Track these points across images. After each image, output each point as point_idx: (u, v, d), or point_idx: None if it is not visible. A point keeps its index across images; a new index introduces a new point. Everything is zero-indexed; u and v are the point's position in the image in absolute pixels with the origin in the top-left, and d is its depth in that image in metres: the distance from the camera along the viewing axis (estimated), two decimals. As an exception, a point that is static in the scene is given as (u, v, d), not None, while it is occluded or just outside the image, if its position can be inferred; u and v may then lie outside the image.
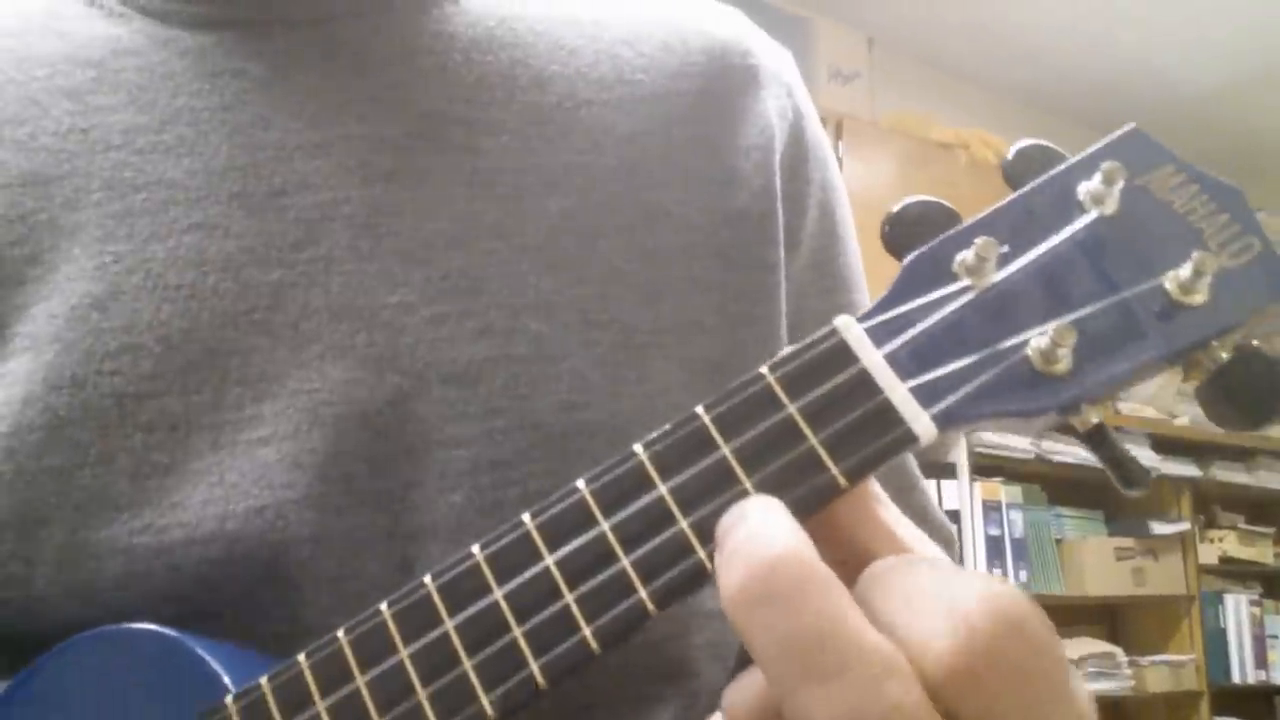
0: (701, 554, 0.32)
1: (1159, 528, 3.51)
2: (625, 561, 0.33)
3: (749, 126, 0.58)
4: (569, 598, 0.33)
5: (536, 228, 0.51)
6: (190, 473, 0.45)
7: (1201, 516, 3.76)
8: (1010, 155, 0.35)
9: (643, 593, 0.32)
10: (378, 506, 0.46)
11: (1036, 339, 0.32)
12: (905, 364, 0.33)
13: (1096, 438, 0.32)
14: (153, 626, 0.41)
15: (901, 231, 0.35)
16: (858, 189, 2.80)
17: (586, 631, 0.32)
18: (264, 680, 0.36)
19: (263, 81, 0.52)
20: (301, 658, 0.36)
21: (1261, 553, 3.95)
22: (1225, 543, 3.85)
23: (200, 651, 0.39)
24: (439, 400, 0.47)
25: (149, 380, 0.46)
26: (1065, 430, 0.32)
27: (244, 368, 0.47)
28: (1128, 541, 3.44)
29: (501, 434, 0.47)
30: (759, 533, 0.29)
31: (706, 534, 0.32)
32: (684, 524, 0.33)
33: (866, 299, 0.62)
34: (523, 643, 0.33)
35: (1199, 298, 0.32)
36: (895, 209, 0.35)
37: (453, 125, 0.52)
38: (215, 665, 0.39)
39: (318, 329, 0.47)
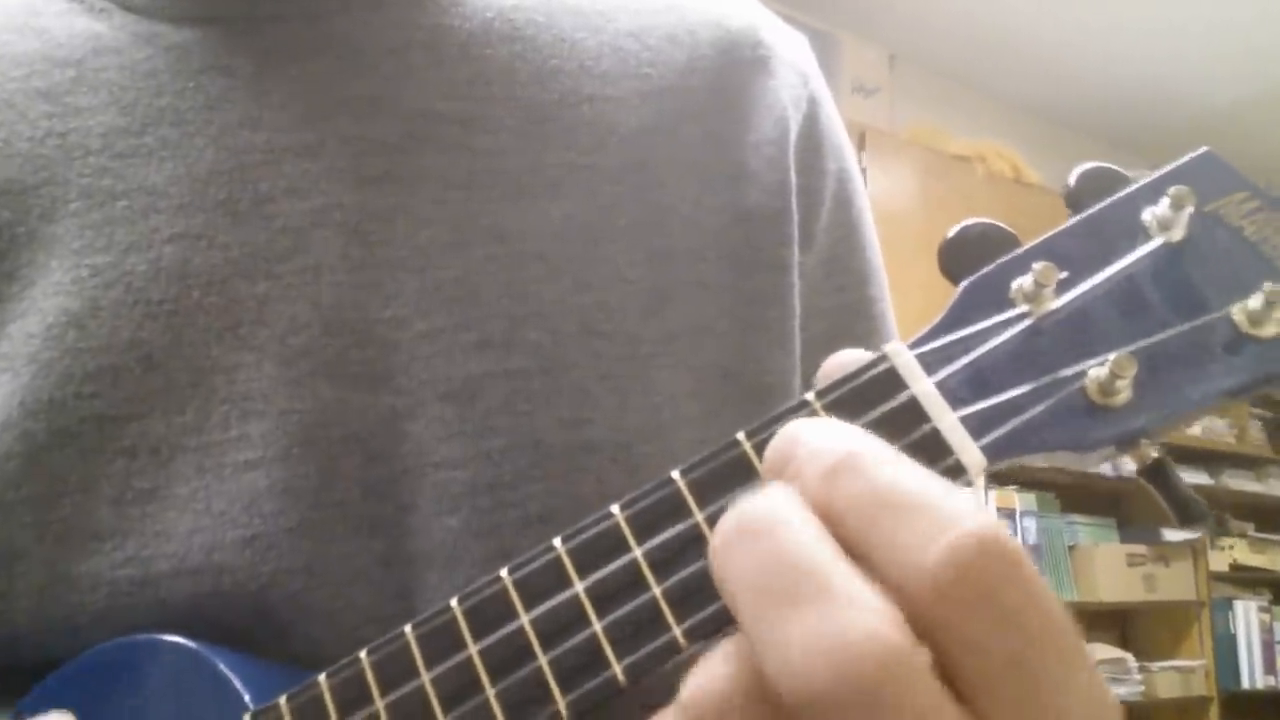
0: None
1: (1170, 535, 3.50)
2: (656, 590, 0.31)
3: (762, 119, 0.55)
4: (597, 626, 0.32)
5: (537, 232, 0.48)
6: (175, 498, 0.43)
7: (1213, 522, 3.75)
8: (1073, 178, 0.34)
9: (676, 629, 0.31)
10: (372, 533, 0.44)
11: (1095, 369, 0.31)
12: (957, 392, 0.31)
13: (1155, 473, 0.31)
14: (177, 638, 0.40)
15: (958, 255, 0.33)
16: (878, 199, 2.82)
17: (616, 667, 0.31)
18: (283, 700, 0.36)
19: (250, 79, 0.49)
20: (322, 678, 0.35)
21: (1271, 560, 3.95)
22: (1235, 550, 3.84)
23: (222, 667, 0.39)
24: (434, 419, 0.45)
25: (130, 402, 0.44)
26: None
27: (230, 385, 0.44)
28: (1139, 548, 3.44)
29: (500, 453, 0.44)
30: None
31: None
32: None
33: (883, 295, 0.59)
34: (548, 672, 0.32)
35: (1270, 330, 0.30)
36: (953, 231, 0.34)
37: (448, 124, 0.49)
38: (237, 683, 0.38)
39: (307, 344, 0.45)
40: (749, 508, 0.28)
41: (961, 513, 0.26)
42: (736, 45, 0.56)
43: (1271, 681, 3.71)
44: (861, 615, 0.25)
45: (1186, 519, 0.30)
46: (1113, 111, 4.03)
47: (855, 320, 0.57)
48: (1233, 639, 3.68)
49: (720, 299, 0.51)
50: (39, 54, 0.50)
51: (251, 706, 0.37)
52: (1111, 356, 0.30)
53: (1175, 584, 3.51)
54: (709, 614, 0.31)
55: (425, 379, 0.45)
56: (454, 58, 0.51)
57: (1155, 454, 0.31)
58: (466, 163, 0.49)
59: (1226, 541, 3.81)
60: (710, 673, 0.27)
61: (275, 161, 0.47)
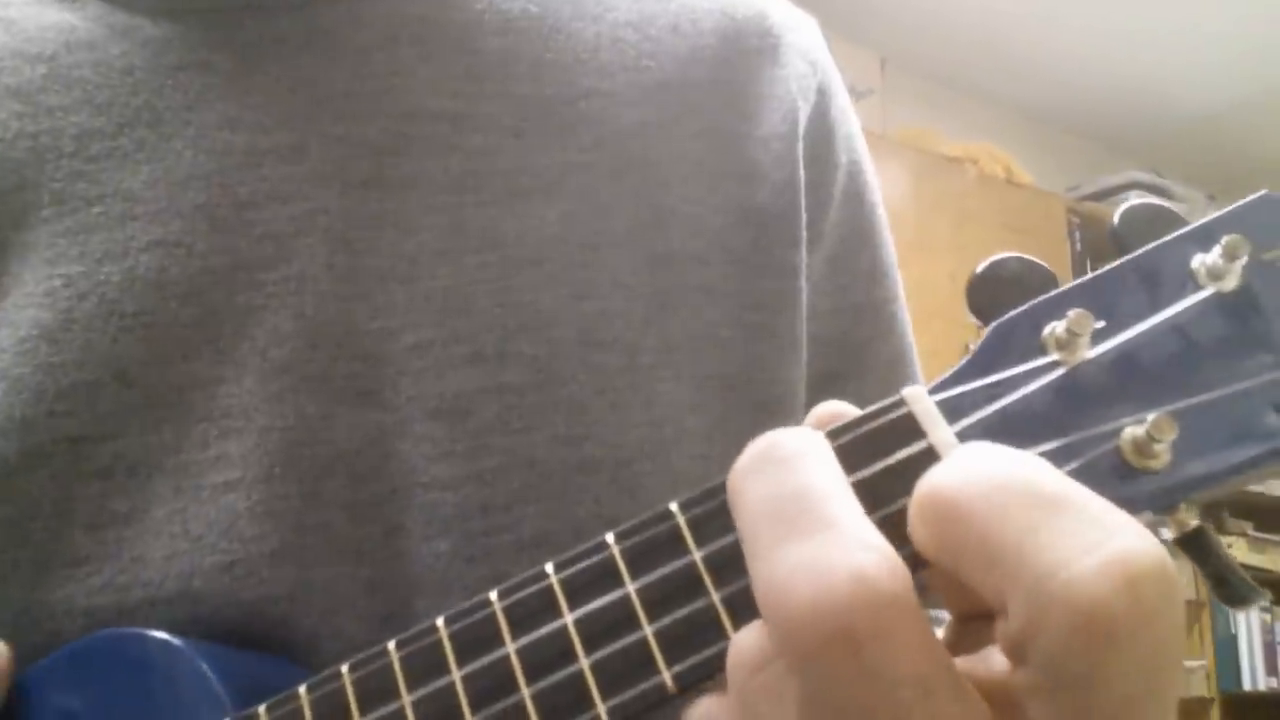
0: (731, 633, 0.29)
1: (1168, 534, 3.47)
2: (648, 631, 0.30)
3: (769, 113, 0.53)
4: (584, 663, 0.30)
5: (531, 237, 0.46)
6: (152, 521, 0.41)
7: (1211, 523, 3.74)
8: (1117, 216, 0.31)
9: (665, 673, 0.29)
10: (357, 558, 0.42)
11: (1131, 428, 0.28)
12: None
13: (1194, 544, 0.28)
14: (163, 635, 0.39)
15: (988, 292, 0.31)
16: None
17: (601, 708, 0.30)
18: (261, 709, 0.35)
19: (229, 76, 0.46)
20: (302, 690, 0.34)
21: (1272, 560, 3.93)
22: (1235, 550, 3.83)
23: (205, 668, 0.38)
24: (423, 437, 0.43)
25: (105, 420, 0.42)
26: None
27: (209, 402, 0.42)
28: (1140, 546, 3.43)
29: (492, 474, 0.42)
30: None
31: (739, 610, 0.29)
32: (715, 597, 0.30)
33: (895, 296, 0.57)
34: (530, 707, 0.30)
35: None
36: (984, 266, 0.31)
37: (438, 123, 0.47)
38: (217, 685, 0.37)
39: (290, 358, 0.43)
40: (774, 436, 0.28)
41: (1136, 529, 0.25)
42: (742, 34, 0.54)
43: (1273, 683, 3.70)
44: (856, 552, 0.24)
45: (1230, 598, 0.28)
46: (1106, 114, 4.02)
47: (857, 323, 0.54)
48: (1233, 640, 3.67)
49: (725, 305, 0.49)
50: (8, 49, 0.47)
51: (231, 712, 0.36)
52: (1150, 416, 0.28)
53: (1175, 583, 3.50)
54: (701, 659, 0.29)
55: (414, 394, 0.43)
56: (444, 52, 0.48)
57: (1195, 522, 0.28)
58: (458, 164, 0.46)
59: (1225, 541, 3.79)
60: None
61: (257, 164, 0.45)
